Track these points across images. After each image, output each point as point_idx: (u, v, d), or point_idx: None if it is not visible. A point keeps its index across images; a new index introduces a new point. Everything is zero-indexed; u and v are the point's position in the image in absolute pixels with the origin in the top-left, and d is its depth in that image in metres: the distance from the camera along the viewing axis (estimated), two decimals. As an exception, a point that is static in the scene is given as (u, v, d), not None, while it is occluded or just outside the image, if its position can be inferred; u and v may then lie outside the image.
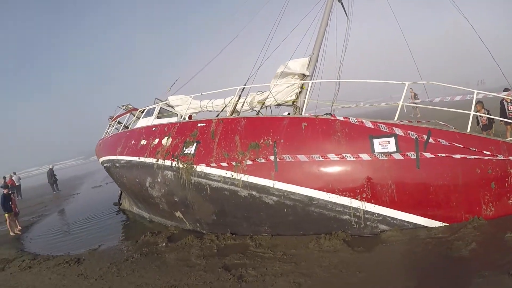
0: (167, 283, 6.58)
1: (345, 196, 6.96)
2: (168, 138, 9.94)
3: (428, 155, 6.54)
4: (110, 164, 13.54)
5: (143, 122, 12.57)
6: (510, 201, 6.55)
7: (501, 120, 11.34)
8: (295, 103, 9.67)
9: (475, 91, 7.20)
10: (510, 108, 11.86)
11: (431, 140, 6.58)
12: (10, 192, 14.16)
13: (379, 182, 6.77)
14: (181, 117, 12.11)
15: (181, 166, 9.05)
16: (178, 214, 9.84)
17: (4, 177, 24.28)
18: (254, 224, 8.14)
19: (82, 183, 30.87)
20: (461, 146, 6.47)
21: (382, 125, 6.87)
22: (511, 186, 6.52)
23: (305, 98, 8.85)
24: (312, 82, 9.08)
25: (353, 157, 6.89)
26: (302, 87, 9.54)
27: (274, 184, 7.51)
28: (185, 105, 12.06)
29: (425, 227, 6.69)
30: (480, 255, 5.47)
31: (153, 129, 11.00)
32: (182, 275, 6.76)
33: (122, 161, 12.10)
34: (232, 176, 8.05)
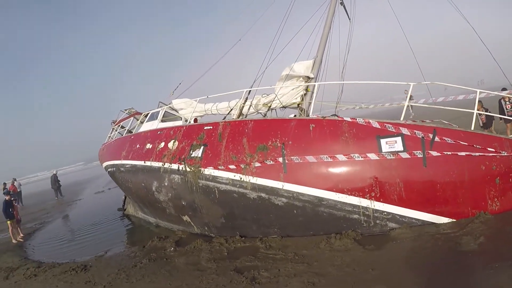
0: (179, 287, 6.59)
1: (354, 195, 7.06)
2: (174, 142, 9.99)
3: (434, 153, 6.68)
4: (114, 168, 13.52)
5: (148, 126, 12.56)
6: None
7: (500, 118, 11.61)
8: (300, 105, 9.78)
9: (478, 90, 7.38)
10: (508, 107, 12.18)
11: (436, 138, 6.72)
12: (12, 198, 14.04)
13: (387, 181, 6.89)
14: (186, 120, 12.15)
15: (188, 169, 9.11)
16: (185, 218, 9.88)
17: (5, 183, 24.17)
18: (264, 226, 8.21)
19: (84, 188, 30.75)
20: (466, 144, 6.62)
21: (389, 125, 6.99)
22: None
23: (310, 100, 8.96)
24: (318, 84, 9.17)
25: (361, 157, 7.01)
26: (307, 89, 9.65)
27: (283, 186, 7.59)
28: (189, 109, 12.11)
29: (433, 223, 6.82)
30: (489, 248, 5.60)
31: (159, 132, 11.04)
32: (193, 279, 6.74)
33: (127, 166, 12.10)
34: (241, 178, 8.12)
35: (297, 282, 5.78)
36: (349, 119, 7.35)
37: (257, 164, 7.92)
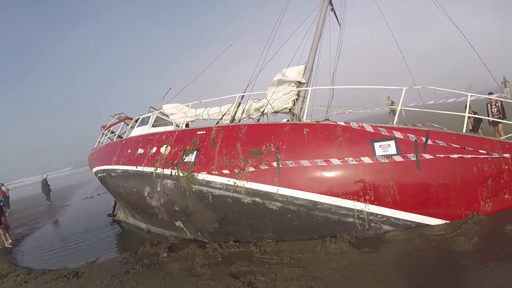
0: (175, 293, 6.50)
1: (348, 199, 7.10)
2: (166, 147, 9.94)
3: (427, 156, 6.76)
4: (105, 174, 13.38)
5: (138, 131, 12.50)
6: (506, 196, 6.86)
7: (489, 121, 11.96)
8: (292, 110, 9.82)
9: (469, 94, 7.51)
10: (494, 111, 12.61)
11: (429, 141, 6.81)
12: (1, 204, 13.76)
13: (381, 184, 6.95)
14: (177, 125, 12.10)
15: (181, 174, 9.07)
16: (178, 223, 9.82)
17: None
18: (258, 231, 8.19)
19: (72, 194, 30.35)
20: (458, 146, 6.72)
21: (382, 129, 7.06)
22: (507, 182, 6.82)
23: (302, 105, 9.00)
24: (310, 89, 9.22)
25: (355, 161, 7.06)
26: (298, 94, 9.70)
27: (277, 190, 7.59)
28: (180, 114, 12.08)
29: (427, 225, 6.89)
30: (484, 248, 5.68)
31: (150, 137, 10.97)
32: (189, 285, 6.69)
33: (118, 171, 11.99)
34: (235, 183, 8.10)
35: (294, 286, 5.77)
36: (343, 123, 7.40)
37: (251, 169, 7.91)
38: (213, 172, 8.45)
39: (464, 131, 7.03)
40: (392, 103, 21.31)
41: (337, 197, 7.15)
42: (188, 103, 11.40)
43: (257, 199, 7.85)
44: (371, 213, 7.04)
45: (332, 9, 11.21)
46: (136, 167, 10.78)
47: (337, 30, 11.63)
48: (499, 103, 12.71)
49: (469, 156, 6.71)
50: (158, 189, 9.83)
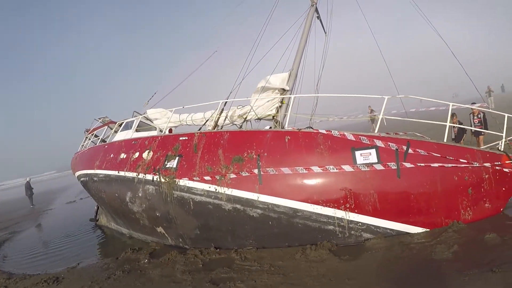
0: (154, 300, 6.39)
1: (329, 207, 7.10)
2: (149, 152, 9.83)
3: (408, 165, 6.80)
4: (87, 178, 13.18)
5: (122, 136, 12.36)
6: (486, 205, 6.95)
7: (472, 131, 12.13)
8: (275, 117, 9.82)
9: (450, 104, 7.60)
10: (476, 121, 12.77)
11: (410, 150, 6.86)
12: None
13: (362, 192, 6.97)
14: (160, 130, 12.01)
15: (163, 180, 8.98)
16: (159, 229, 9.70)
17: None
18: (239, 238, 8.13)
19: (55, 198, 29.73)
20: (439, 155, 6.79)
21: (364, 137, 7.09)
22: (487, 191, 6.92)
23: (286, 112, 9.00)
24: (294, 97, 9.24)
25: (336, 169, 7.06)
26: (282, 102, 9.71)
27: (258, 197, 7.56)
28: (164, 119, 12.01)
29: (407, 233, 6.93)
30: (463, 256, 5.75)
31: (133, 142, 10.85)
32: (169, 291, 6.59)
33: (100, 175, 11.82)
34: (216, 189, 8.04)
35: (273, 293, 5.74)
36: (324, 131, 7.41)
37: (233, 176, 7.87)
38: (194, 178, 8.38)
39: (445, 140, 7.11)
40: (372, 111, 21.59)
41: (318, 204, 7.14)
42: (175, 108, 11.34)
43: (238, 206, 7.80)
44: (352, 221, 7.04)
45: (318, 17, 11.29)
46: (119, 172, 10.64)
47: (322, 40, 11.71)
48: (482, 114, 12.84)
49: (450, 165, 6.78)
50: (140, 194, 9.71)
